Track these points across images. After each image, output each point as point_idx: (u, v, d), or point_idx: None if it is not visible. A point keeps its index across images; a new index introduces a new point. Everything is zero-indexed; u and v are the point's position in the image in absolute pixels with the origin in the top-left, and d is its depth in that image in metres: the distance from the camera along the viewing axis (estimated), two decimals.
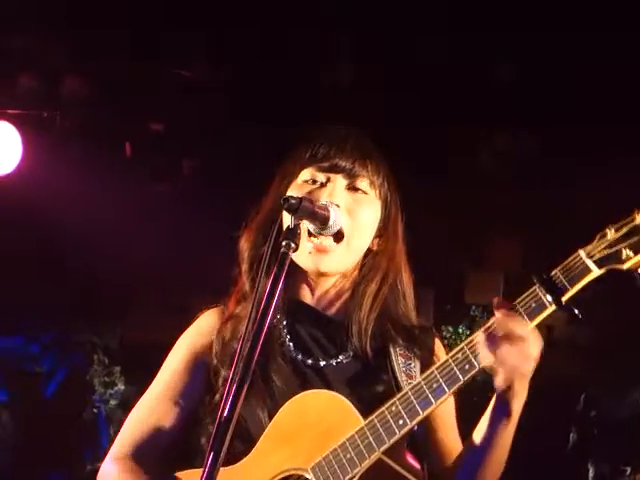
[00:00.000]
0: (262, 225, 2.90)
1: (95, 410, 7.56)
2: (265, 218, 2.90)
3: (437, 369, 2.56)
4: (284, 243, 2.54)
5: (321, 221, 2.72)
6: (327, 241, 2.80)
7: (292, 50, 6.43)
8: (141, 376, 3.34)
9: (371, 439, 2.58)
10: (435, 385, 2.55)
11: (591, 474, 6.18)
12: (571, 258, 2.45)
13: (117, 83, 6.82)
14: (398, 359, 2.84)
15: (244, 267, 2.93)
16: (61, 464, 7.40)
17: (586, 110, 6.12)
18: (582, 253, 2.43)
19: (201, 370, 2.90)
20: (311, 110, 6.27)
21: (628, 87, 5.97)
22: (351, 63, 6.71)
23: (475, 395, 2.53)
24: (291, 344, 2.87)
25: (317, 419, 2.68)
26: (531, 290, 2.49)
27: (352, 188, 2.86)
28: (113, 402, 7.55)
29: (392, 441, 2.57)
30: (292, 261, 2.65)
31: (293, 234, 2.56)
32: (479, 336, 2.53)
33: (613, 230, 2.40)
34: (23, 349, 7.61)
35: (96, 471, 2.94)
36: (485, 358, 2.51)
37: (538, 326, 2.51)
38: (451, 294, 7.26)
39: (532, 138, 6.69)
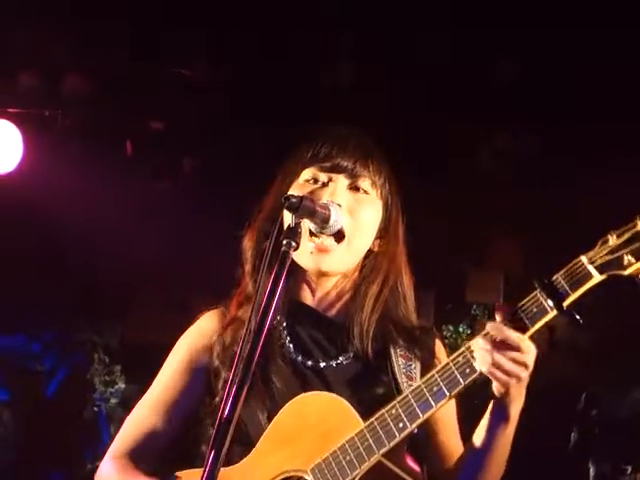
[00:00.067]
0: (264, 225, 2.90)
1: (96, 409, 7.56)
2: (267, 217, 2.90)
3: (438, 372, 2.57)
4: (285, 242, 2.54)
5: (322, 220, 2.72)
6: (328, 241, 2.79)
7: (292, 50, 6.43)
8: (142, 375, 3.35)
9: (371, 441, 2.59)
10: (435, 388, 2.56)
11: (592, 473, 6.18)
12: (573, 263, 2.46)
13: (118, 82, 6.82)
14: (398, 360, 2.84)
15: (247, 267, 2.93)
16: (62, 462, 7.39)
17: (586, 110, 6.11)
18: (584, 259, 2.45)
19: (201, 371, 2.90)
20: (311, 110, 6.26)
21: (628, 86, 5.97)
22: (351, 63, 6.70)
23: (476, 398, 2.53)
24: (291, 345, 2.87)
25: (317, 421, 2.68)
26: (532, 295, 2.50)
27: (354, 188, 2.85)
28: (113, 401, 7.55)
29: (392, 444, 2.58)
30: (293, 262, 2.65)
31: (294, 233, 2.56)
32: (477, 341, 2.54)
33: (615, 236, 2.41)
34: (24, 347, 7.61)
35: (96, 470, 2.95)
36: (482, 363, 2.53)
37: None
38: (452, 293, 7.25)
39: (532, 138, 6.68)
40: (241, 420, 2.68)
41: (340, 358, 2.85)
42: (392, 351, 2.86)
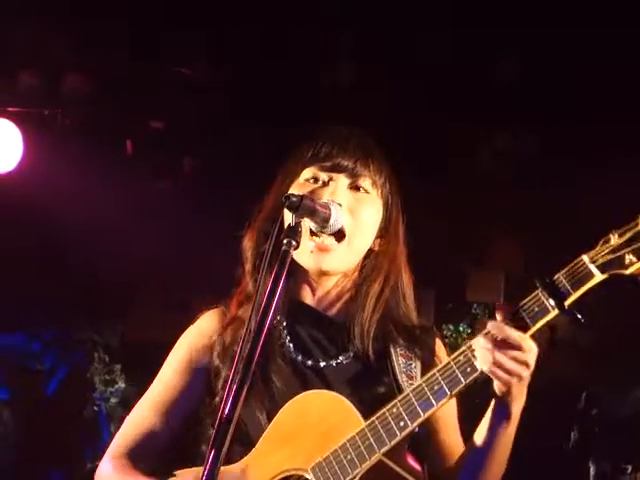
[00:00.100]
0: (264, 224, 2.90)
1: (96, 408, 7.56)
2: (267, 217, 2.90)
3: (439, 371, 2.57)
4: (285, 241, 2.55)
5: (322, 219, 2.72)
6: (329, 240, 2.79)
7: (292, 50, 6.42)
8: (142, 374, 3.35)
9: (372, 440, 2.59)
10: (436, 387, 2.56)
11: (592, 472, 6.18)
12: (574, 263, 2.46)
13: (118, 81, 6.82)
14: (399, 359, 2.84)
15: (247, 267, 2.93)
16: (62, 462, 7.40)
17: (586, 110, 6.11)
18: (585, 258, 2.45)
19: (201, 371, 2.90)
20: (311, 110, 6.26)
21: (628, 86, 5.96)
22: (351, 63, 6.70)
23: (477, 397, 2.53)
24: (291, 345, 2.87)
25: (318, 419, 2.68)
26: (534, 294, 2.50)
27: (354, 187, 2.86)
28: (113, 400, 7.55)
29: (393, 442, 2.58)
30: (293, 262, 2.65)
31: (294, 232, 2.56)
32: (478, 340, 2.54)
33: (616, 235, 2.42)
34: (24, 346, 7.61)
35: (96, 469, 2.95)
36: (483, 362, 2.53)
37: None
38: (452, 292, 7.25)
39: (532, 138, 6.68)
40: (241, 420, 2.68)
41: (340, 358, 2.85)
42: (392, 350, 2.86)
